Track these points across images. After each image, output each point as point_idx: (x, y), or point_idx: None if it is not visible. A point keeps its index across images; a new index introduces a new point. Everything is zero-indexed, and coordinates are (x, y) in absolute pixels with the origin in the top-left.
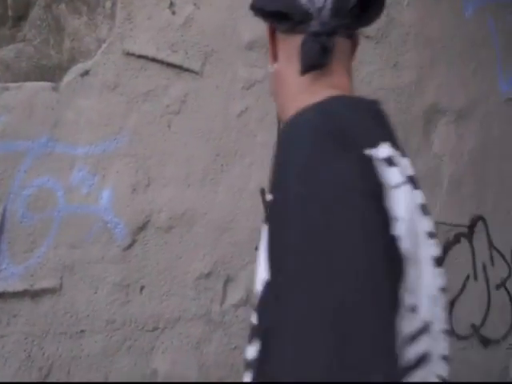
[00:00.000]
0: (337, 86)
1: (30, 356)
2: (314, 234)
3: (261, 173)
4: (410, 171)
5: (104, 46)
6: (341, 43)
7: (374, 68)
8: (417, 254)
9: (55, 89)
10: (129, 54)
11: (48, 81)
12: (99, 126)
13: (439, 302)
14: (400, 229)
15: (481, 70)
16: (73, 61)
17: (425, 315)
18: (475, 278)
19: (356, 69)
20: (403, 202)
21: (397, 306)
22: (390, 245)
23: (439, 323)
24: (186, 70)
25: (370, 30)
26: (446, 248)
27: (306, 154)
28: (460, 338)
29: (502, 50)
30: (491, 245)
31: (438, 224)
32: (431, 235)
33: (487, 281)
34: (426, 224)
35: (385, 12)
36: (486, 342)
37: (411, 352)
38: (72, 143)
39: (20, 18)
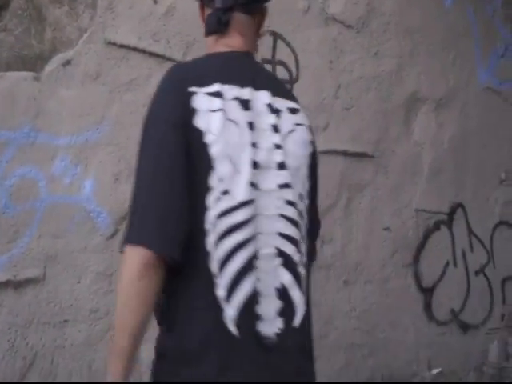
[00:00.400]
0: (231, 45)
1: (13, 346)
2: (142, 146)
3: None
4: (267, 100)
5: (85, 35)
6: (238, 17)
7: (354, 57)
8: (235, 156)
9: (37, 79)
10: (110, 44)
11: (29, 71)
12: (81, 115)
13: (276, 194)
14: (210, 138)
15: (460, 59)
16: (54, 50)
17: (242, 198)
18: (455, 264)
19: (337, 58)
20: (217, 122)
21: (208, 189)
22: (197, 149)
23: (272, 208)
24: (169, 59)
25: (350, 19)
26: (426, 235)
27: (154, 94)
28: (440, 323)
29: (481, 39)
30: (470, 232)
31: (418, 211)
32: (279, 147)
33: (466, 267)
34: (275, 139)
35: (366, 1)
36: (465, 327)
37: (232, 218)
38: (54, 133)
39: (0, 7)
